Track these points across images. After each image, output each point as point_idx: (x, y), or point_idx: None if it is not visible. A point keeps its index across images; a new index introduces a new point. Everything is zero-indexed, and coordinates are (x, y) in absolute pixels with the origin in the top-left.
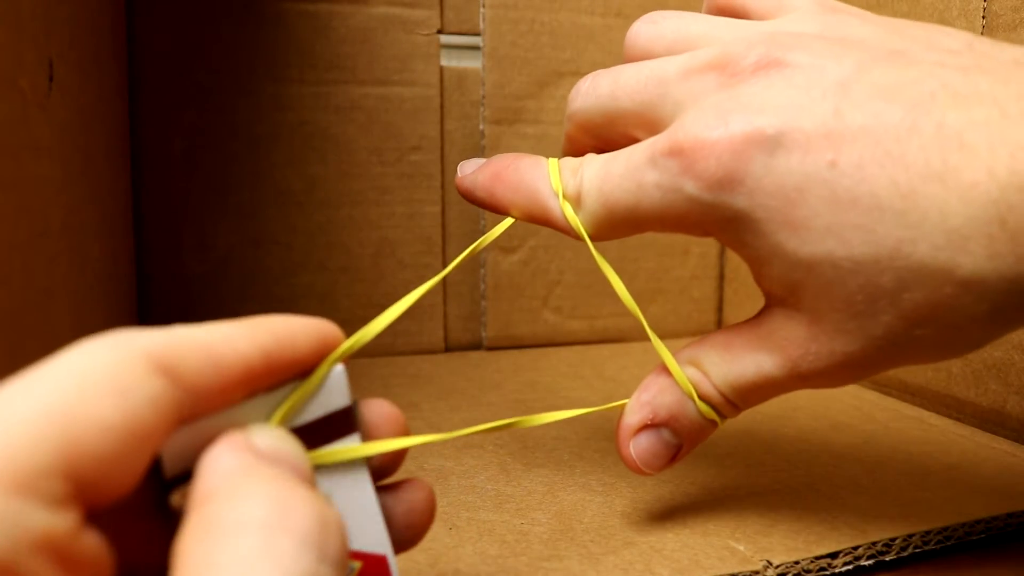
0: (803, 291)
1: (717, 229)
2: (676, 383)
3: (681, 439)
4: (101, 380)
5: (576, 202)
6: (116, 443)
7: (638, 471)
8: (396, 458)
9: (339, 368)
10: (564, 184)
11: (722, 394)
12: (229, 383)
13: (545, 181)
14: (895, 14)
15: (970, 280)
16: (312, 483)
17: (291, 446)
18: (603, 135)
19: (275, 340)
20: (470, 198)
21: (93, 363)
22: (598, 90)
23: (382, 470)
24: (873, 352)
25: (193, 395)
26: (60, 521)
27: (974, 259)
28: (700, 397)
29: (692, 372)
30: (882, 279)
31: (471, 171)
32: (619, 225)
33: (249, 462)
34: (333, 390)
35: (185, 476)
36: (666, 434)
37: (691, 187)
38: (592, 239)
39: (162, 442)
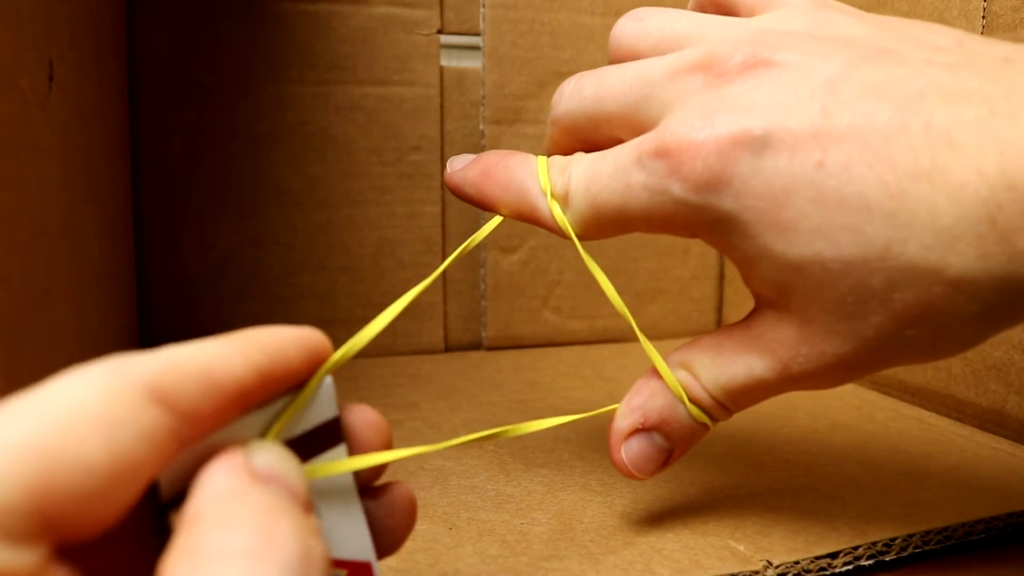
0: (792, 293)
1: (705, 231)
2: (666, 387)
3: (673, 443)
4: (90, 413)
5: (564, 201)
6: (99, 481)
7: (630, 476)
8: (380, 466)
9: (328, 380)
10: (552, 183)
11: (713, 397)
12: (225, 406)
13: (534, 179)
14: (895, 13)
15: (960, 280)
16: (308, 503)
17: (289, 465)
18: (588, 139)
19: (268, 357)
20: (459, 194)
21: (84, 394)
22: (582, 93)
23: (365, 476)
24: (864, 353)
25: (190, 422)
26: (22, 558)
27: (964, 259)
28: (691, 400)
29: (683, 375)
30: (872, 280)
31: (460, 167)
32: (606, 225)
33: (243, 484)
34: (322, 402)
35: (182, 496)
36: (657, 438)
37: (678, 189)
38: (580, 238)
39: (157, 472)
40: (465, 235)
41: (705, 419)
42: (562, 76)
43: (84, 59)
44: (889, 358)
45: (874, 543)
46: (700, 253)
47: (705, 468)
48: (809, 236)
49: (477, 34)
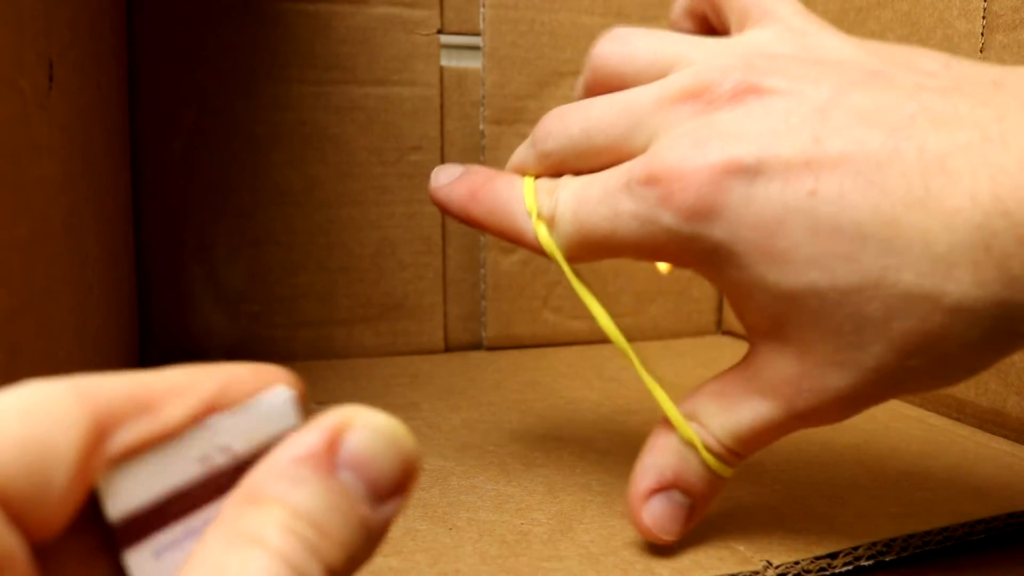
0: (788, 324)
1: (696, 261)
2: (677, 442)
3: (693, 497)
4: (11, 401)
5: (550, 224)
6: (18, 454)
7: (659, 539)
8: None
9: (280, 388)
10: (539, 205)
11: (724, 445)
12: (153, 403)
13: (519, 202)
14: (895, 13)
15: (958, 307)
16: (389, 491)
17: (384, 448)
18: (577, 170)
19: (219, 388)
20: (444, 211)
21: (10, 392)
22: (569, 130)
23: None
24: (868, 385)
25: (116, 417)
26: None
27: (961, 286)
28: (702, 450)
29: (692, 427)
30: (868, 308)
31: (445, 183)
32: (594, 250)
33: (314, 476)
34: (273, 412)
35: (142, 520)
36: (677, 496)
37: (668, 218)
38: (566, 262)
39: (90, 469)
40: (465, 235)
41: (720, 468)
42: (562, 76)
43: (84, 59)
44: (893, 388)
45: (874, 543)
46: None
47: None
48: (803, 265)
49: (477, 34)
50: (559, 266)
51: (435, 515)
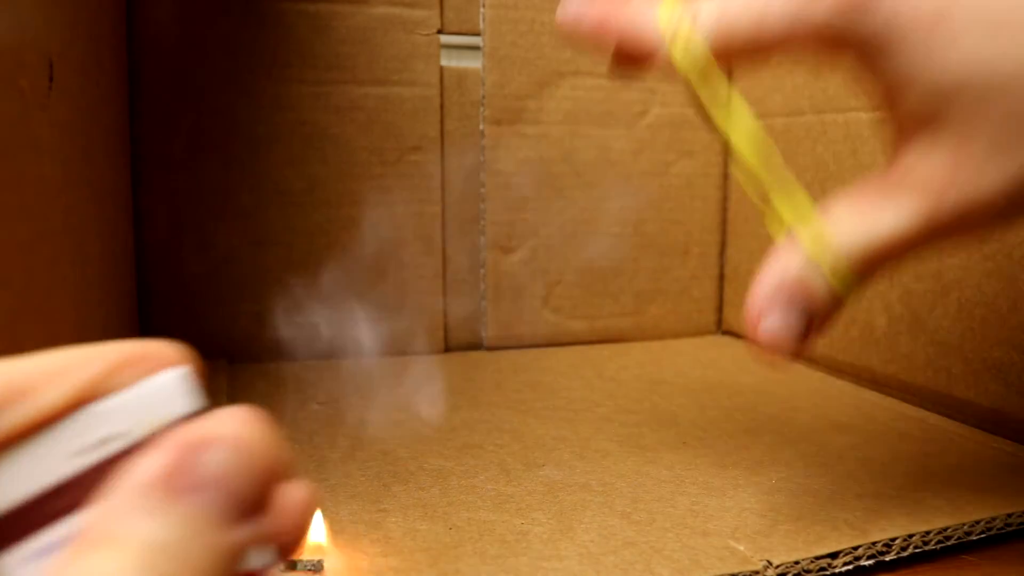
0: (945, 117)
1: (848, 53)
2: (800, 258)
3: (812, 314)
4: None
5: (689, 36)
6: None
7: (771, 355)
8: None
9: (181, 370)
10: (680, 16)
11: (851, 257)
12: (27, 389)
13: (653, 21)
14: None
15: None
16: (250, 506)
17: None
18: None
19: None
20: (575, 35)
21: None
22: None
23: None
24: (1023, 189)
25: None
26: None
27: None
28: (827, 263)
29: (819, 238)
30: None
31: (575, 10)
32: (735, 51)
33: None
34: (172, 395)
35: (13, 521)
36: (795, 313)
37: (822, 11)
38: (703, 71)
39: None
40: (465, 235)
41: (842, 285)
42: (562, 76)
43: (84, 59)
44: None
45: (874, 543)
46: (700, 253)
47: (705, 468)
48: (966, 55)
49: (477, 34)
50: (689, 83)
51: (435, 515)
